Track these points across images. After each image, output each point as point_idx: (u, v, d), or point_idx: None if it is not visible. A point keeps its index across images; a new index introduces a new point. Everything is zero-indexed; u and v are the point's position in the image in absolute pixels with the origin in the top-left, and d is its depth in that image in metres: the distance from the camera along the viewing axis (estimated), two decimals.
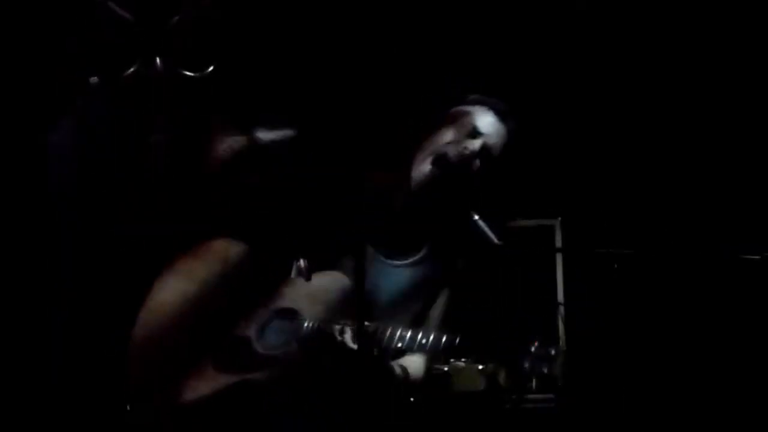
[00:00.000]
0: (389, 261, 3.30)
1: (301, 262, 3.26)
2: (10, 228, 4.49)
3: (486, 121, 3.40)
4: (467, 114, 3.38)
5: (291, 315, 3.27)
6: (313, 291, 3.25)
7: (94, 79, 3.49)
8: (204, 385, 3.26)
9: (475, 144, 3.37)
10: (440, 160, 3.31)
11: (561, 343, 4.10)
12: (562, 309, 4.28)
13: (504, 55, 4.61)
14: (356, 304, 2.94)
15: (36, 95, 4.50)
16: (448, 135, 3.38)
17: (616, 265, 3.73)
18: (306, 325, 3.22)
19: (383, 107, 4.48)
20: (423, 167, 3.34)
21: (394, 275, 3.31)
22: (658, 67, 4.70)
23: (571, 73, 4.71)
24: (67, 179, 4.52)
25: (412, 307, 3.33)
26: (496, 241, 3.27)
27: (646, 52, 4.70)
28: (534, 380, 3.04)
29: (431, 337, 3.09)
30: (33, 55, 4.50)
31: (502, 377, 3.20)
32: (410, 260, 3.35)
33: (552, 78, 4.70)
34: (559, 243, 4.40)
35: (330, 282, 3.25)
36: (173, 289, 3.41)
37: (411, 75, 4.64)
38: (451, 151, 3.33)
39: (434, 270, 3.36)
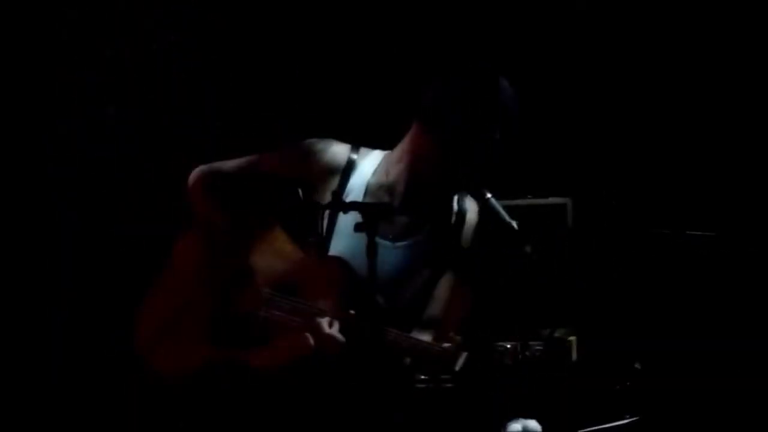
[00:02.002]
0: (389, 242, 3.29)
1: (312, 239, 3.26)
2: (10, 228, 4.50)
3: (485, 113, 3.32)
4: (465, 109, 3.30)
5: (291, 294, 3.26)
6: (317, 271, 3.25)
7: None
8: (197, 355, 3.27)
9: (484, 145, 3.32)
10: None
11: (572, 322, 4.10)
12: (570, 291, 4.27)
13: (507, 49, 4.61)
14: (367, 284, 2.93)
15: (36, 95, 4.51)
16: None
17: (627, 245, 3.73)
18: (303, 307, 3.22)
19: (385, 104, 4.48)
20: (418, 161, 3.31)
21: (394, 255, 3.29)
22: (660, 56, 4.71)
23: (577, 63, 4.71)
24: (67, 179, 4.53)
25: (412, 286, 3.31)
26: (509, 220, 3.24)
27: (650, 41, 4.70)
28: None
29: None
30: (33, 55, 4.51)
31: (508, 356, 3.18)
32: (411, 240, 3.34)
33: (561, 66, 4.70)
34: (570, 222, 4.39)
35: (334, 263, 3.24)
36: (192, 256, 3.42)
37: (411, 74, 4.63)
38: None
39: (435, 249, 3.35)
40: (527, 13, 4.71)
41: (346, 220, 3.19)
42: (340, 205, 3.17)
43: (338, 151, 3.35)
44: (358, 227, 2.95)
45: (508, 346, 3.12)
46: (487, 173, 3.28)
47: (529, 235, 3.22)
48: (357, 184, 3.30)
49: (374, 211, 2.99)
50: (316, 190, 3.31)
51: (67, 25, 4.50)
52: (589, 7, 4.69)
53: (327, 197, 3.25)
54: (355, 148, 3.37)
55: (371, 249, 2.91)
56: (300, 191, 3.21)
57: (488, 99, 3.22)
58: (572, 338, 3.08)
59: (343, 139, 3.42)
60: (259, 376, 3.21)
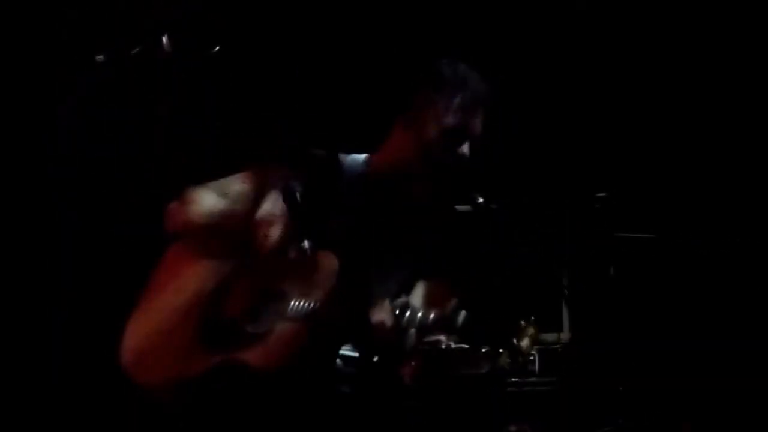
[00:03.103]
0: None
1: (306, 243, 3.25)
2: (10, 228, 4.50)
3: (464, 115, 3.29)
4: (443, 111, 3.28)
5: (280, 296, 3.26)
6: (306, 272, 3.25)
7: (99, 58, 3.47)
8: (193, 364, 3.27)
9: (465, 149, 3.31)
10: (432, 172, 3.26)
11: (564, 327, 4.11)
12: (566, 292, 4.28)
13: (508, 52, 4.60)
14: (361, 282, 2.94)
15: (36, 95, 4.51)
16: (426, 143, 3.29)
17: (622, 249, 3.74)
18: (292, 306, 3.22)
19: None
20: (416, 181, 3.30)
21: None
22: (658, 60, 4.70)
23: (574, 65, 4.70)
24: (67, 179, 4.53)
25: (395, 282, 3.31)
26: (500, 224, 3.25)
27: (648, 44, 4.70)
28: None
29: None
30: (33, 55, 4.50)
31: (503, 360, 3.18)
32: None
33: (557, 67, 4.70)
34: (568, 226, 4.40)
35: (324, 263, 3.24)
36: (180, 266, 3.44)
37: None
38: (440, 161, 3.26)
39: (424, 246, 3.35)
40: (527, 13, 4.71)
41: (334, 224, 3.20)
42: (333, 208, 3.17)
43: (317, 159, 3.36)
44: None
45: (501, 350, 3.13)
46: (475, 172, 3.29)
47: (526, 237, 3.22)
48: (344, 188, 3.31)
49: (367, 214, 3.00)
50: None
51: (67, 25, 4.50)
52: (589, 7, 4.69)
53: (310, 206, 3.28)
54: (334, 154, 3.38)
55: (366, 251, 2.92)
56: (297, 194, 3.21)
57: (461, 96, 3.24)
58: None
59: (341, 141, 3.42)
60: (257, 374, 3.21)
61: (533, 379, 3.28)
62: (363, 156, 3.40)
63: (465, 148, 3.26)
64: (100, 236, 4.55)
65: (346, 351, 3.23)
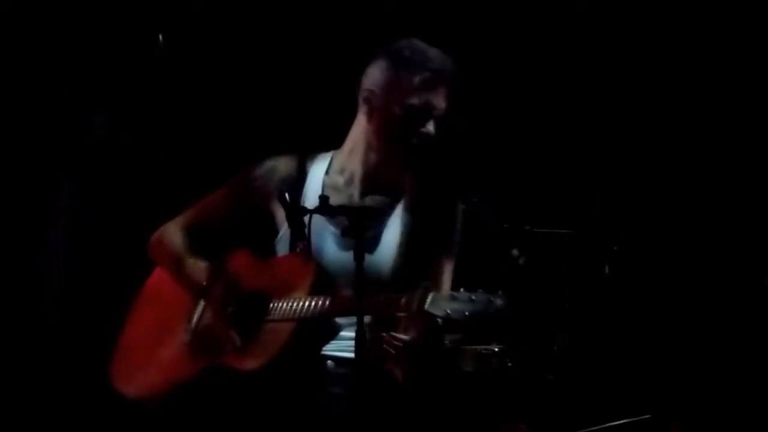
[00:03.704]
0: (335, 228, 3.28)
1: (300, 243, 3.25)
2: (9, 228, 4.51)
3: (427, 93, 3.26)
4: (405, 91, 3.25)
5: (258, 299, 3.27)
6: (280, 273, 3.26)
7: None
8: (180, 372, 3.28)
9: (429, 127, 3.28)
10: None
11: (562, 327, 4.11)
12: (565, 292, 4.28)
13: (501, 55, 4.60)
14: (355, 283, 2.93)
15: (36, 95, 4.53)
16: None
17: (615, 247, 3.73)
18: (271, 307, 3.22)
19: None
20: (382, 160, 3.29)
21: (344, 242, 3.26)
22: (660, 59, 4.70)
23: (575, 64, 4.70)
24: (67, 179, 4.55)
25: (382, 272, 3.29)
26: (494, 223, 3.23)
27: (646, 53, 4.70)
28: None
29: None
30: (33, 55, 4.52)
31: (495, 359, 3.19)
32: (376, 229, 3.31)
33: (551, 76, 4.70)
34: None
35: (298, 264, 3.24)
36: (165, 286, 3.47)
37: None
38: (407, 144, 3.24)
39: (402, 233, 3.33)
40: (527, 12, 4.71)
41: (315, 223, 3.19)
42: (328, 209, 3.15)
43: (285, 163, 3.36)
44: (345, 232, 2.97)
45: (496, 349, 3.13)
46: (446, 153, 3.28)
47: (518, 239, 3.21)
48: (313, 188, 3.30)
49: (362, 215, 3.01)
50: (275, 208, 3.33)
51: (68, 25, 4.51)
52: (589, 7, 4.69)
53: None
54: (301, 155, 3.38)
55: (359, 251, 2.92)
56: (287, 195, 3.21)
57: (422, 74, 3.22)
58: None
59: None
60: (244, 377, 3.21)
61: (529, 378, 3.27)
62: (325, 153, 3.40)
63: (429, 127, 3.23)
64: (100, 236, 4.56)
65: (338, 352, 3.23)
